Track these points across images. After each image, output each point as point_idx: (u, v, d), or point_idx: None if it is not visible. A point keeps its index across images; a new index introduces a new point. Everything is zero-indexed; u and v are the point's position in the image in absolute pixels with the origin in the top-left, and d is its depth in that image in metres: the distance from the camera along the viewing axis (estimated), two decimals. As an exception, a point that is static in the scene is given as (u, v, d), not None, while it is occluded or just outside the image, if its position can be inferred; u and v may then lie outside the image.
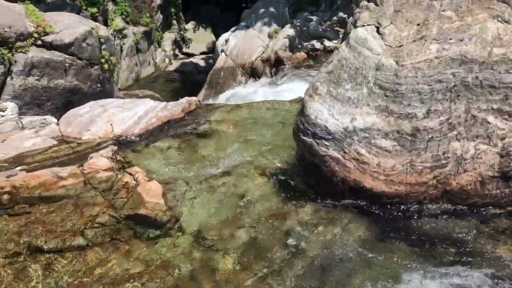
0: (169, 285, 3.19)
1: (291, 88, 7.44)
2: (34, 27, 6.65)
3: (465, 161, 3.62)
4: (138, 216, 3.78)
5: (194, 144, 4.99)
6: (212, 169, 4.50)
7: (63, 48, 6.91)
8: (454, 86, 3.62)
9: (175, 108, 5.54)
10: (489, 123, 3.59)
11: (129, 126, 5.15)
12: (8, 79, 6.19)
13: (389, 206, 3.72)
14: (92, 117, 5.26)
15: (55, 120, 5.52)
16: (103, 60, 7.69)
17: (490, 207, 3.67)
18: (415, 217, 3.63)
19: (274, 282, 3.14)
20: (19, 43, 6.30)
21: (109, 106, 5.47)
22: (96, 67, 7.51)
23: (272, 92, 7.67)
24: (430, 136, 3.61)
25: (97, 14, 10.24)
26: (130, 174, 4.20)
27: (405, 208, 3.69)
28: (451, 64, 3.64)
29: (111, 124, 5.11)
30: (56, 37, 6.86)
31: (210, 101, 8.17)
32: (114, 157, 4.51)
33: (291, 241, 3.53)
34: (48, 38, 6.77)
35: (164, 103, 5.71)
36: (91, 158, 4.39)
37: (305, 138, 3.96)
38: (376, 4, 4.10)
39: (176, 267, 3.35)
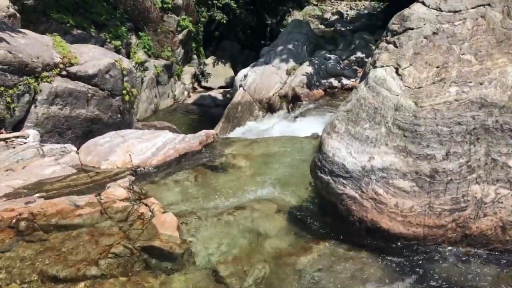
0: (181, 321, 3.15)
1: (308, 125, 7.48)
2: (60, 58, 6.87)
3: (485, 205, 3.56)
4: (152, 248, 3.77)
5: (211, 177, 5.01)
6: (228, 203, 4.50)
7: (87, 78, 7.10)
8: (473, 129, 3.61)
9: (193, 140, 5.60)
10: (510, 167, 3.55)
11: (147, 157, 5.20)
12: (32, 107, 6.36)
13: (406, 248, 3.65)
14: (111, 147, 5.35)
15: (75, 149, 5.62)
16: (124, 92, 7.87)
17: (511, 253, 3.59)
18: (433, 260, 3.55)
19: (287, 322, 3.08)
20: (45, 73, 6.50)
21: (129, 136, 5.56)
22: (117, 98, 7.68)
23: (289, 128, 7.72)
24: (449, 178, 3.58)
25: (120, 47, 10.55)
26: (146, 205, 4.23)
27: (423, 250, 3.62)
28: (470, 107, 3.64)
29: (129, 155, 5.18)
30: (81, 68, 7.08)
31: (227, 135, 8.24)
32: (131, 187, 4.56)
33: (305, 280, 3.47)
34: (73, 69, 6.97)
35: (183, 135, 5.78)
36: (108, 187, 4.44)
37: (322, 175, 3.95)
38: (396, 46, 4.16)
39: (189, 302, 3.32)
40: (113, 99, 7.57)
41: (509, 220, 3.54)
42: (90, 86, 7.12)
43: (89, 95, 7.06)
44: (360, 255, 3.72)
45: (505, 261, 3.54)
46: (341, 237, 3.91)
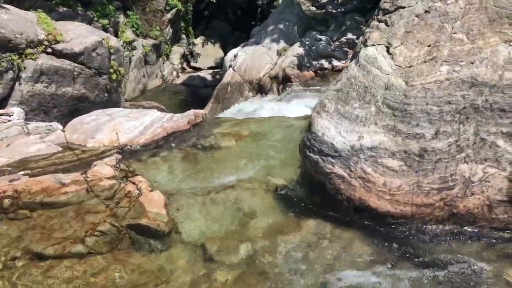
0: (168, 298, 3.14)
1: (298, 106, 7.44)
2: (45, 35, 6.71)
3: (473, 184, 3.57)
4: (139, 226, 3.74)
5: (199, 157, 4.96)
6: (216, 182, 4.46)
7: (73, 56, 6.96)
8: (463, 108, 3.60)
9: (181, 119, 5.53)
10: (498, 146, 3.56)
11: (135, 135, 5.13)
12: (16, 84, 6.23)
13: (394, 226, 3.67)
14: (98, 125, 5.26)
15: (61, 127, 5.52)
16: (111, 70, 7.74)
17: (497, 231, 3.61)
18: (421, 238, 3.57)
19: (275, 299, 3.08)
20: (29, 50, 6.36)
21: (116, 115, 5.47)
22: (104, 76, 7.56)
23: (279, 108, 7.67)
24: (438, 157, 3.58)
25: (108, 26, 10.34)
26: (133, 183, 4.18)
27: (410, 228, 3.63)
28: (461, 86, 3.62)
29: (116, 133, 5.10)
30: (67, 45, 6.93)
31: (217, 116, 8.17)
32: (118, 165, 4.50)
33: (292, 257, 3.47)
34: (58, 46, 6.83)
35: (171, 114, 5.71)
36: (95, 165, 4.38)
37: (311, 154, 3.93)
38: (387, 25, 4.11)
39: (175, 279, 3.30)
40: (100, 78, 7.45)
41: (496, 199, 3.55)
42: (76, 64, 6.99)
43: (75, 73, 6.93)
44: (348, 233, 3.72)
45: (490, 238, 3.56)
46: (329, 215, 3.90)
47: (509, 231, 3.61)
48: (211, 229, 3.85)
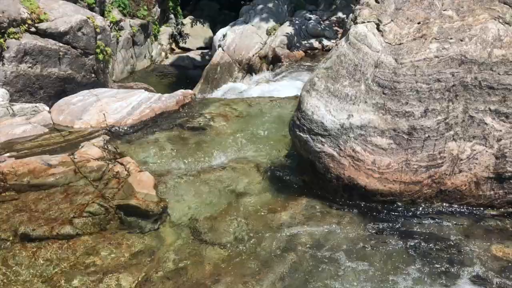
0: (158, 276, 3.13)
1: (288, 86, 7.38)
2: (28, 13, 6.55)
3: (461, 162, 3.59)
4: (129, 206, 3.72)
5: (188, 137, 4.93)
6: (206, 163, 4.45)
7: (58, 36, 6.81)
8: (452, 86, 3.59)
9: (170, 100, 5.47)
10: (486, 124, 3.57)
11: (122, 116, 5.07)
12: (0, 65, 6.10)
13: (382, 204, 3.69)
14: (84, 105, 5.19)
15: (47, 108, 5.43)
16: (98, 50, 7.60)
17: (484, 207, 3.65)
18: (409, 215, 3.60)
19: (263, 277, 3.09)
20: (12, 29, 6.20)
21: (103, 95, 5.39)
22: (91, 57, 7.42)
23: (269, 88, 7.60)
24: (426, 135, 3.58)
25: (93, 5, 10.09)
26: (122, 164, 4.15)
27: (398, 206, 3.66)
28: (450, 64, 3.61)
29: (104, 114, 5.04)
30: (51, 24, 6.77)
31: (206, 96, 8.10)
32: (105, 146, 4.46)
33: (282, 236, 3.48)
34: (42, 26, 6.67)
35: (159, 94, 5.65)
36: (82, 147, 4.33)
37: (300, 134, 3.91)
38: (377, 1, 4.06)
39: (165, 259, 3.30)
40: (87, 58, 7.31)
41: (483, 176, 3.58)
42: (61, 44, 6.84)
43: (61, 53, 6.79)
44: (337, 211, 3.74)
45: (477, 215, 3.61)
46: (319, 195, 3.91)
47: (495, 208, 3.65)
48: (202, 209, 3.85)
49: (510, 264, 3.10)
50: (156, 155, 4.58)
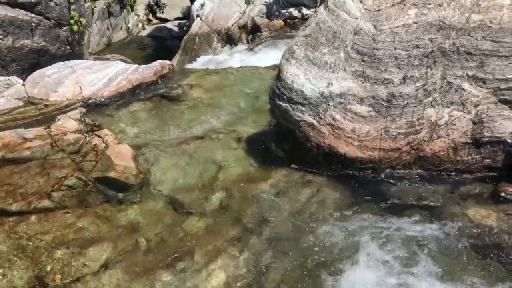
0: (139, 248, 3.13)
1: (268, 55, 7.31)
2: (-3, -18, 6.28)
3: (439, 128, 3.63)
4: (108, 179, 3.68)
5: (167, 108, 4.86)
6: (185, 134, 4.41)
7: (29, 6, 6.58)
8: (431, 52, 3.59)
9: (147, 71, 5.37)
10: (464, 90, 3.59)
11: (99, 88, 4.97)
12: (-31, 37, 5.89)
13: (362, 172, 3.72)
14: (59, 78, 5.06)
15: (21, 81, 5.29)
16: (72, 21, 7.38)
17: (461, 172, 3.71)
18: (388, 182, 3.64)
19: (245, 245, 3.11)
20: (-20, -1, 5.96)
21: (78, 67, 5.26)
22: (65, 28, 7.21)
23: (248, 59, 7.52)
24: (405, 102, 3.59)
25: (66, -26, 9.76)
26: (99, 136, 4.08)
27: (378, 173, 3.70)
28: (429, 30, 3.59)
29: (79, 86, 4.93)
30: (22, -6, 6.52)
31: (185, 67, 7.97)
32: (82, 119, 4.37)
33: (263, 204, 3.50)
34: (12, -5, 6.42)
35: (136, 65, 5.54)
36: (58, 120, 4.24)
37: (280, 103, 3.88)
38: (356, -33, 3.99)
39: (146, 231, 3.29)
40: (60, 29, 7.10)
41: (461, 141, 3.63)
42: (33, 15, 6.62)
43: (33, 24, 6.57)
44: (317, 180, 3.76)
45: (455, 180, 3.66)
46: (299, 164, 3.92)
47: (472, 173, 3.71)
48: (182, 180, 3.83)
49: (486, 228, 3.18)
50: (134, 126, 4.52)
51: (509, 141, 3.57)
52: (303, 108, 3.76)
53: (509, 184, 3.51)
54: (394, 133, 3.62)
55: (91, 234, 3.24)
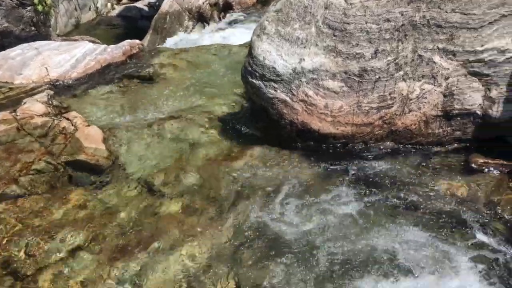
0: (113, 232, 3.08)
1: (240, 33, 7.22)
2: (-47, -40, 5.97)
3: (411, 101, 3.65)
4: (78, 162, 3.60)
5: (137, 89, 4.76)
6: (157, 114, 4.32)
7: (-11, -15, 6.29)
8: (402, 25, 3.58)
9: (116, 51, 5.23)
10: (434, 63, 3.61)
11: (66, 69, 4.82)
12: None
13: (336, 147, 3.73)
14: (24, 60, 4.88)
15: (-17, 64, 5.07)
16: (36, 1, 7.09)
17: (433, 145, 3.76)
18: (361, 156, 3.66)
19: (221, 223, 3.10)
20: None
21: (44, 48, 5.08)
22: (28, 8, 6.93)
23: (220, 37, 7.41)
24: (377, 76, 3.59)
25: (28, -48, 9.35)
26: (68, 119, 3.98)
27: (351, 148, 3.71)
28: (399, 3, 3.58)
29: (46, 68, 4.77)
30: (-20, -27, 6.23)
31: (156, 47, 7.80)
32: (50, 102, 4.25)
33: (238, 183, 3.47)
34: (-30, -26, 6.12)
35: (104, 46, 5.38)
36: (24, 103, 4.11)
37: (253, 80, 3.83)
38: None
39: (120, 213, 3.23)
40: (24, 10, 6.82)
41: (432, 115, 3.66)
42: (-6, -6, 6.33)
43: (-6, 4, 6.29)
44: (291, 157, 3.75)
45: (427, 152, 3.71)
46: (273, 141, 3.89)
47: (444, 145, 3.76)
48: (155, 161, 3.77)
49: (457, 199, 3.23)
50: (104, 108, 4.41)
51: (478, 113, 3.62)
52: (275, 85, 3.73)
53: (480, 155, 3.57)
54: (367, 108, 3.62)
55: (62, 218, 3.17)
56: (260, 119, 4.03)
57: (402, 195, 3.28)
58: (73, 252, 2.92)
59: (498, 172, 3.43)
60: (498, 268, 2.68)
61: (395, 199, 3.25)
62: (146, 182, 3.51)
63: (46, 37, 7.45)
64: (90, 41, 7.60)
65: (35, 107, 4.04)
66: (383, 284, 2.61)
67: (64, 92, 4.60)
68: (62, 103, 4.32)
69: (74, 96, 4.57)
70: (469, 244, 2.84)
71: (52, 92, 4.44)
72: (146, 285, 2.69)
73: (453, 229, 2.97)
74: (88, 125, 3.90)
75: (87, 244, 2.97)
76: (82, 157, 3.59)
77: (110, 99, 4.55)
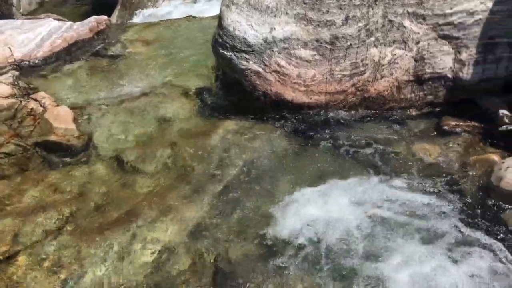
0: (88, 212, 3.03)
1: (210, 5, 7.06)
2: None
3: (382, 67, 3.65)
4: (48, 143, 3.52)
5: (106, 66, 4.63)
6: (128, 91, 4.23)
7: None
8: (371, -10, 3.55)
9: (82, 28, 5.05)
10: (405, 27, 3.61)
11: (31, 49, 4.65)
12: None
13: (310, 116, 3.72)
14: (-15, 40, 4.68)
15: None
16: (-5, -22, 6.78)
17: (406, 110, 3.79)
18: (335, 125, 3.66)
19: (196, 199, 3.08)
20: None
21: (5, 27, 4.87)
22: (-12, -14, 6.62)
23: (191, 9, 7.22)
24: (348, 43, 3.57)
25: None
26: (36, 100, 3.87)
27: (325, 117, 3.71)
28: (368, -33, 3.54)
29: (9, 48, 4.58)
30: None
31: (125, 22, 7.58)
32: (16, 83, 4.12)
33: (214, 157, 3.45)
34: None
35: (70, 23, 5.19)
36: (-12, 85, 3.96)
37: (224, 52, 3.77)
38: None
39: (94, 193, 3.19)
40: (-18, -13, 6.52)
41: (404, 80, 3.68)
42: (-51, -28, 6.02)
43: (-50, -17, 5.99)
44: (267, 128, 3.73)
45: (400, 118, 3.74)
46: (247, 114, 3.86)
47: (416, 109, 3.80)
48: (127, 139, 3.71)
49: (431, 161, 3.29)
50: (73, 87, 4.29)
51: (449, 76, 3.65)
52: (247, 56, 3.67)
53: (451, 118, 3.63)
54: (339, 76, 3.62)
55: (35, 201, 3.11)
56: (233, 91, 3.98)
57: (376, 160, 3.31)
58: (49, 235, 2.87)
59: (469, 133, 3.48)
60: (468, 223, 2.76)
61: (369, 163, 3.29)
62: (120, 160, 3.46)
63: (9, 16, 7.18)
64: (55, 19, 7.35)
65: (0, 89, 3.90)
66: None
67: (30, 72, 4.45)
68: (29, 83, 4.19)
69: (41, 76, 4.43)
70: (442, 203, 2.91)
71: (17, 73, 4.31)
72: (124, 264, 2.67)
73: (426, 190, 3.02)
74: (57, 105, 3.80)
75: (62, 225, 2.93)
76: (52, 138, 3.51)
77: (78, 78, 4.42)
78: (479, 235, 2.68)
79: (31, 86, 4.19)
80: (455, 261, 2.53)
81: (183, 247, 2.76)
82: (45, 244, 2.81)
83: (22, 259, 2.73)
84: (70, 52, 4.81)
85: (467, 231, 2.71)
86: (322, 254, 2.62)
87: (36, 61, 4.60)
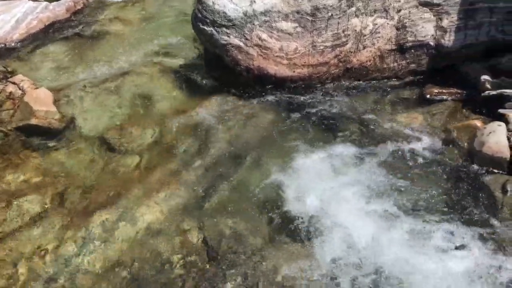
0: (73, 194, 3.01)
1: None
2: None
3: (364, 37, 3.62)
4: (29, 127, 3.47)
5: (85, 46, 4.54)
6: (108, 71, 4.16)
7: None
8: (351, -41, 3.50)
9: (58, 8, 4.93)
10: (385, -4, 3.57)
11: (7, 31, 4.53)
12: None
13: (293, 90, 3.70)
14: (-42, 24, 4.55)
15: None
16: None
17: (389, 80, 3.79)
18: (319, 97, 3.65)
19: (181, 177, 3.07)
20: None
21: (-22, 10, 4.74)
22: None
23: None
24: (330, 14, 3.53)
25: None
26: (14, 83, 3.79)
27: (309, 89, 3.69)
28: None
29: (-17, 31, 4.47)
30: None
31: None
32: (-8, 67, 4.02)
33: (199, 134, 3.43)
34: None
35: (45, 3, 5.05)
36: (-37, 70, 3.87)
37: (204, 27, 3.71)
38: None
39: (78, 174, 3.17)
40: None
41: (386, 49, 3.66)
42: None
43: None
44: (251, 104, 3.71)
45: (383, 87, 3.74)
46: (231, 90, 3.82)
47: (399, 79, 3.80)
48: (110, 119, 3.66)
49: (416, 130, 3.30)
50: (52, 69, 4.21)
51: (431, 43, 3.64)
52: (228, 31, 3.62)
53: (434, 86, 3.63)
54: (321, 47, 3.59)
55: (18, 184, 3.08)
56: (215, 67, 3.94)
57: (362, 129, 3.32)
58: (34, 218, 2.86)
59: (452, 100, 3.50)
60: (452, 187, 2.81)
61: (354, 133, 3.30)
62: (103, 141, 3.43)
63: (-17, -1, 6.95)
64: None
65: (-24, 74, 3.82)
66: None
67: (7, 55, 4.35)
68: (6, 67, 4.10)
69: (19, 59, 4.33)
70: (428, 170, 2.94)
71: (-7, 57, 4.20)
72: (112, 244, 2.67)
73: (410, 157, 3.05)
74: (37, 88, 3.73)
75: (47, 208, 2.91)
76: (33, 121, 3.45)
77: (57, 59, 4.33)
78: (462, 198, 2.72)
79: (9, 69, 4.10)
80: (437, 222, 2.59)
81: (169, 224, 2.76)
82: (30, 228, 2.79)
83: (6, 244, 2.71)
84: (47, 33, 4.70)
85: (451, 194, 2.75)
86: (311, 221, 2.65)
87: (13, 44, 4.49)
